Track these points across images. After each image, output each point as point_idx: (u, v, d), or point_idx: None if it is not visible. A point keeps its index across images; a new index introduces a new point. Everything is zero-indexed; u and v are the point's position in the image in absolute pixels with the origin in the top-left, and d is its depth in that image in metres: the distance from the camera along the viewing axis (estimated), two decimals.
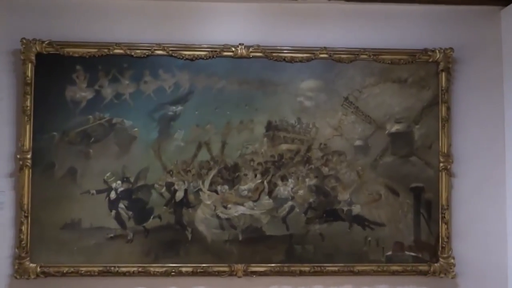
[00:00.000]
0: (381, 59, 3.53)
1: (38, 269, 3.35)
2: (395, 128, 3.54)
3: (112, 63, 3.43)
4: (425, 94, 3.55)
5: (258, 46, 3.49)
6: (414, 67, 3.55)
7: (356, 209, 3.52)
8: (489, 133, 3.62)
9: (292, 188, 3.50)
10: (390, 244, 3.51)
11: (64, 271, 3.36)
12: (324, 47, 3.52)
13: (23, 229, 3.33)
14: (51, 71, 3.41)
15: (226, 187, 3.47)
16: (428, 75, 3.55)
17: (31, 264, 3.34)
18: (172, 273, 3.41)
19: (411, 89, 3.55)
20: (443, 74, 3.55)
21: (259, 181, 3.47)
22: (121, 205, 3.42)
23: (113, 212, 3.42)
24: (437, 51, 3.55)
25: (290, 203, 3.49)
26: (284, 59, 3.49)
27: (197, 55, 3.47)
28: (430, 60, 3.55)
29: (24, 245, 3.33)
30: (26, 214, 3.33)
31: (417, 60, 3.54)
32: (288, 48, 3.51)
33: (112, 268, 3.37)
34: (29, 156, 3.35)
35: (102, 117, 3.43)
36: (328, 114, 3.52)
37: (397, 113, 3.54)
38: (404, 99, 3.54)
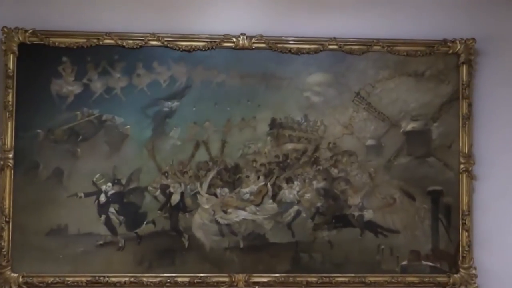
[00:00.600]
0: (396, 50, 3.41)
1: (20, 279, 3.23)
2: (411, 126, 3.43)
3: (102, 54, 3.32)
4: (444, 89, 3.43)
5: (262, 36, 3.36)
6: (432, 59, 3.43)
7: (368, 215, 3.41)
8: None
9: (298, 191, 3.39)
10: (406, 253, 3.40)
11: (49, 281, 3.24)
12: (334, 38, 3.39)
13: (4, 235, 3.22)
14: (35, 63, 3.29)
15: (226, 190, 3.37)
16: (447, 68, 3.43)
17: (12, 274, 3.23)
18: (167, 284, 3.29)
19: (428, 83, 3.43)
20: (464, 67, 3.42)
21: (262, 183, 3.38)
22: (111, 209, 3.32)
23: (103, 217, 3.31)
24: (458, 42, 3.41)
25: (296, 207, 3.39)
26: (290, 51, 3.38)
27: (195, 46, 3.35)
28: (450, 51, 3.42)
29: (5, 252, 3.22)
30: (7, 219, 3.22)
31: (436, 52, 3.42)
32: (294, 38, 3.39)
33: (102, 278, 3.26)
34: (11, 155, 3.24)
35: (91, 113, 3.32)
36: (338, 110, 3.41)
37: (413, 110, 3.43)
38: (421, 95, 3.43)
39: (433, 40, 3.42)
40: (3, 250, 3.21)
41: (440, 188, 3.42)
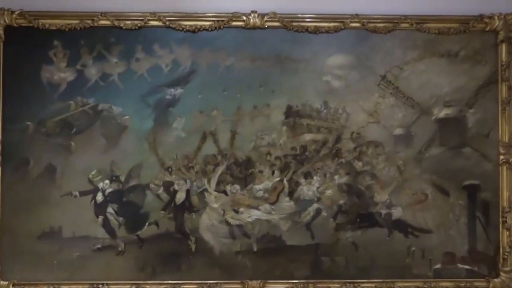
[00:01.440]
0: (426, 28, 3.29)
1: None
2: (444, 113, 3.33)
3: (97, 37, 3.26)
4: (480, 70, 3.33)
5: (275, 14, 3.25)
6: (467, 37, 3.32)
7: (397, 213, 3.32)
8: None
9: (318, 188, 3.31)
10: (439, 255, 3.32)
11: None
12: (356, 14, 3.28)
13: None
14: (23, 48, 3.24)
15: (237, 186, 3.30)
16: (484, 48, 3.32)
17: (2, 282, 3.19)
18: None
19: (463, 64, 3.33)
20: (503, 45, 3.30)
21: (278, 179, 3.30)
22: (109, 209, 3.27)
23: (100, 218, 3.26)
24: (496, 18, 3.29)
25: (315, 205, 3.31)
26: (307, 30, 3.27)
27: (200, 25, 3.25)
28: (487, 28, 3.30)
29: None
30: None
31: (471, 29, 3.30)
32: (311, 16, 3.28)
33: (100, 285, 3.21)
34: None
35: (85, 102, 3.26)
36: (362, 96, 3.32)
37: (446, 95, 3.33)
38: (454, 77, 3.32)
39: (467, 16, 3.31)
40: None
41: (477, 182, 3.32)
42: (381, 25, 3.27)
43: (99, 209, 3.24)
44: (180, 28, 3.22)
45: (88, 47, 3.24)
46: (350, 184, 3.31)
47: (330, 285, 3.25)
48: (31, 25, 3.17)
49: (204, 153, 3.28)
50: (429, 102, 3.31)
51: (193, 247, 3.24)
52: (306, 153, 3.30)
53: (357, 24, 3.26)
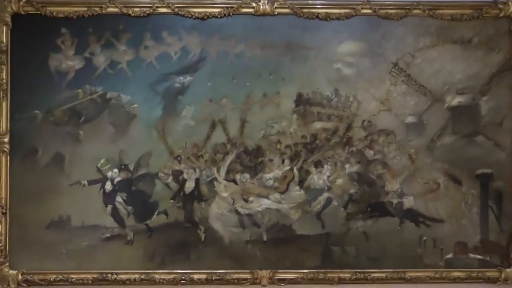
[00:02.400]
0: (438, 14, 3.28)
1: (20, 277, 3.20)
2: (456, 100, 3.31)
3: (105, 24, 3.26)
4: (494, 57, 3.31)
5: (285, 0, 3.24)
6: (481, 24, 3.30)
7: (408, 202, 3.31)
8: None
9: (328, 177, 3.30)
10: (451, 245, 3.31)
11: (51, 279, 3.22)
12: (367, 1, 3.27)
13: (0, 229, 3.18)
14: (31, 36, 3.23)
15: (246, 175, 3.29)
16: (498, 34, 3.30)
17: (11, 271, 3.21)
18: (182, 281, 3.24)
19: (476, 51, 3.31)
20: None
21: (288, 168, 3.29)
22: (118, 198, 3.27)
23: (109, 207, 3.26)
24: (510, 3, 3.28)
25: (326, 195, 3.30)
26: (317, 16, 3.26)
27: (210, 12, 3.24)
28: (501, 14, 3.29)
29: (2, 248, 3.19)
30: (3, 210, 3.19)
31: (485, 15, 3.29)
32: (322, 2, 3.27)
33: (109, 275, 3.22)
34: (6, 140, 3.19)
35: (94, 91, 3.26)
36: (373, 84, 3.30)
37: (459, 82, 3.31)
38: (468, 65, 3.31)
39: (481, 1, 3.30)
40: (0, 245, 3.19)
41: (490, 171, 3.31)
42: (393, 11, 3.25)
43: (108, 198, 3.24)
44: (189, 15, 3.22)
45: (96, 35, 3.24)
46: (361, 173, 3.30)
47: (341, 275, 3.24)
48: (38, 12, 3.17)
49: (213, 142, 3.28)
50: (442, 89, 3.30)
51: (203, 236, 3.25)
52: (317, 142, 3.30)
53: (369, 11, 3.24)
